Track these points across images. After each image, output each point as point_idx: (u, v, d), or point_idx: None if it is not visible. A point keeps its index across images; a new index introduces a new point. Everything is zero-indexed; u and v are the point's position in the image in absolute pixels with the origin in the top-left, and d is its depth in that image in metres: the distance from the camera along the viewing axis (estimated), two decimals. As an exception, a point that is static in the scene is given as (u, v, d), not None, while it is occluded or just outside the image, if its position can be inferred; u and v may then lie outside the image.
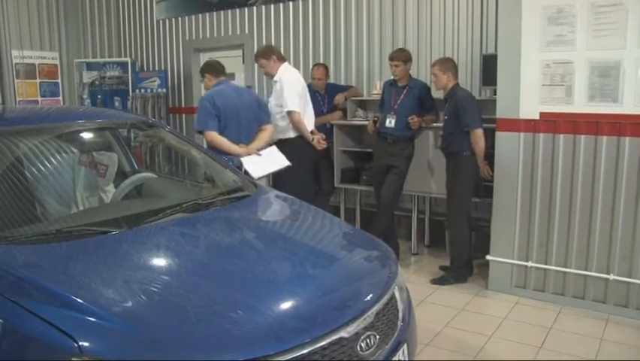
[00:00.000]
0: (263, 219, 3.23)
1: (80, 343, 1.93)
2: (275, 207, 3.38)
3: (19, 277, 2.28)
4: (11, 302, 2.16)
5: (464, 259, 4.91)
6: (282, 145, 5.25)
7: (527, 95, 4.30)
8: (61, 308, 2.07)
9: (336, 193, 6.32)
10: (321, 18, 6.52)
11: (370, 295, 2.46)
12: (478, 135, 4.61)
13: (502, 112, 4.43)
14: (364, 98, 6.14)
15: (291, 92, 5.24)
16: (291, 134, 5.37)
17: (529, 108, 4.31)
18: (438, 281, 4.89)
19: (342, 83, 6.36)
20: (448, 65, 4.83)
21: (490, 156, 4.61)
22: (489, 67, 4.95)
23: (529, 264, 4.46)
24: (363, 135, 6.04)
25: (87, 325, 2.01)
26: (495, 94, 4.69)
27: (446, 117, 4.83)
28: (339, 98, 5.98)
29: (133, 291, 2.21)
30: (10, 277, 2.29)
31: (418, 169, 5.38)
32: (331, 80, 6.32)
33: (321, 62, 6.37)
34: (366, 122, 5.55)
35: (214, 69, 5.07)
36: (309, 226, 3.21)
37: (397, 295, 2.64)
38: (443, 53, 5.67)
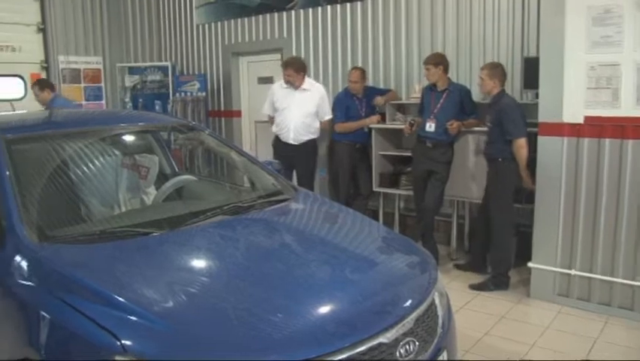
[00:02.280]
0: (302, 223, 3.22)
1: (123, 342, 1.96)
2: (314, 211, 3.37)
3: (66, 275, 2.34)
4: (59, 300, 2.21)
5: (505, 266, 4.82)
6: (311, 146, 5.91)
7: (571, 98, 4.20)
8: (105, 307, 2.12)
9: (375, 197, 6.29)
10: (360, 21, 6.50)
11: (410, 301, 2.44)
12: (521, 145, 4.52)
13: (544, 116, 4.34)
14: (403, 101, 6.10)
15: (327, 102, 5.99)
16: (316, 135, 6.02)
17: (573, 112, 4.21)
18: (477, 287, 4.81)
19: (381, 86, 6.32)
20: (496, 71, 4.75)
21: (532, 161, 4.52)
22: (530, 70, 4.85)
23: (573, 272, 4.35)
24: (402, 139, 6.00)
25: (130, 324, 2.04)
26: (537, 97, 4.60)
27: (489, 124, 4.75)
28: (378, 100, 5.96)
29: (174, 292, 2.24)
30: (57, 276, 2.35)
31: (458, 174, 5.32)
32: (370, 83, 6.30)
33: (360, 65, 6.35)
34: (403, 126, 5.52)
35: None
36: (348, 229, 3.20)
37: (437, 301, 2.60)
38: (483, 56, 5.60)
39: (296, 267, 2.56)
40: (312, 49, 6.97)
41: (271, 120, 6.15)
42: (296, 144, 5.89)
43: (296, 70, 5.85)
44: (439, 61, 5.16)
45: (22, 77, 7.83)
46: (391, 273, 2.70)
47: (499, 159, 4.68)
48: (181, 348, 1.98)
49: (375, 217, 6.12)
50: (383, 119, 5.99)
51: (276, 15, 7.34)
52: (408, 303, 2.42)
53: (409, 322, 2.33)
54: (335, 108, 6.08)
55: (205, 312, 2.14)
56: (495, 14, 5.58)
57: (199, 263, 2.60)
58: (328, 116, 6.01)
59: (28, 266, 2.48)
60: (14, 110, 4.50)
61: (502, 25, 5.53)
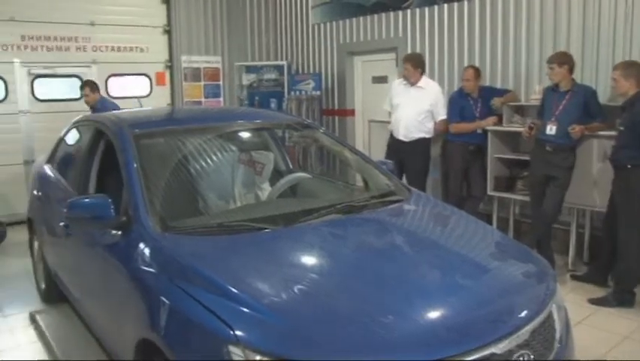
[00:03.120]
0: (415, 225, 3.18)
1: (237, 332, 2.03)
2: (427, 213, 3.32)
3: (185, 264, 2.45)
4: (178, 287, 2.33)
5: (631, 281, 4.48)
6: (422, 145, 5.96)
7: None
8: (221, 297, 2.20)
9: (489, 201, 6.09)
10: (477, 19, 6.30)
11: (525, 312, 2.34)
12: None
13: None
14: (522, 103, 5.84)
15: (443, 102, 6.00)
16: (429, 135, 6.02)
17: None
18: (598, 302, 4.51)
19: (499, 86, 6.10)
20: (632, 70, 4.43)
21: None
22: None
23: None
24: (520, 142, 5.75)
25: (244, 316, 2.11)
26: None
27: (622, 128, 4.43)
28: (496, 101, 5.76)
29: (288, 287, 2.28)
30: (177, 264, 2.48)
31: (580, 180, 5.00)
32: (487, 83, 6.11)
33: (477, 64, 6.16)
34: (522, 129, 5.30)
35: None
36: (462, 233, 3.13)
37: (555, 314, 2.48)
38: (612, 56, 5.23)
39: (408, 269, 2.53)
40: (428, 48, 6.86)
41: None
42: (406, 140, 5.92)
43: (413, 65, 5.89)
44: (564, 60, 4.90)
45: (148, 76, 8.40)
46: (506, 280, 2.61)
47: (628, 166, 4.36)
48: (291, 343, 2.02)
49: (489, 222, 5.91)
50: (500, 121, 5.78)
51: (391, 14, 7.30)
52: (523, 314, 2.33)
53: (523, 334, 2.24)
54: (449, 108, 5.98)
55: (317, 309, 2.17)
56: (628, 10, 5.18)
57: (312, 261, 2.63)
58: (442, 116, 5.98)
59: (150, 254, 2.64)
60: (141, 107, 4.78)
61: (637, 21, 5.11)
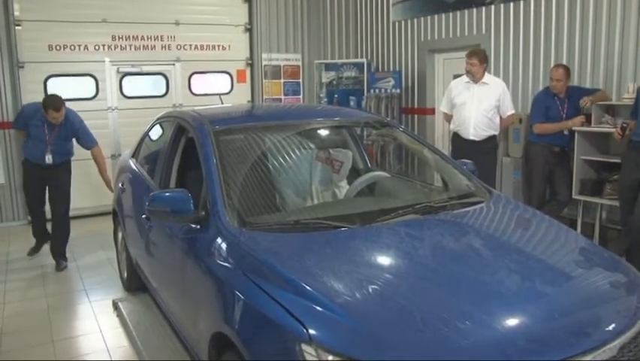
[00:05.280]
0: (495, 228, 3.05)
1: (310, 331, 2.01)
2: (509, 216, 3.18)
3: (261, 261, 2.46)
4: (253, 283, 2.34)
5: None
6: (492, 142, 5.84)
7: None
8: (295, 295, 2.19)
9: (574, 205, 5.81)
10: (566, 14, 6.01)
11: (613, 325, 2.19)
12: None
13: None
14: (613, 102, 5.54)
15: (509, 97, 5.87)
16: (497, 132, 5.85)
17: None
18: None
19: (587, 85, 5.81)
20: None
21: None
22: None
23: None
24: (610, 144, 5.47)
25: (317, 314, 2.09)
26: None
27: None
28: (585, 100, 5.48)
29: (362, 288, 2.25)
30: (252, 260, 2.49)
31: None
32: (574, 82, 5.83)
33: (564, 62, 5.89)
34: (613, 130, 5.02)
35: None
36: (544, 237, 2.98)
37: (648, 329, 2.30)
38: None
39: (486, 274, 2.43)
40: (512, 45, 6.62)
41: (447, 118, 6.18)
42: (477, 139, 5.76)
43: (480, 60, 5.75)
44: None
45: (229, 73, 8.58)
46: (591, 290, 2.45)
47: None
48: (364, 345, 1.98)
49: (572, 227, 5.65)
50: (588, 121, 5.50)
51: (474, 10, 7.10)
52: (611, 327, 2.18)
53: (611, 349, 2.09)
54: (533, 108, 5.77)
55: (391, 311, 2.12)
56: None
57: (388, 261, 2.58)
58: (510, 111, 5.84)
59: (227, 249, 2.67)
60: (222, 104, 4.87)
61: None
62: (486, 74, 5.86)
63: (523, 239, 2.94)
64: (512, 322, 2.12)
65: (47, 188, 5.73)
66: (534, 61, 6.39)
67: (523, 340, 2.05)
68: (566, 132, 5.58)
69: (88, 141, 5.83)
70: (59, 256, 5.72)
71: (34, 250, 6.06)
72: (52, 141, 5.53)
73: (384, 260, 2.59)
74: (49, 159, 5.53)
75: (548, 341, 2.06)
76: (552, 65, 5.95)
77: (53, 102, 5.42)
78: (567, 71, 5.59)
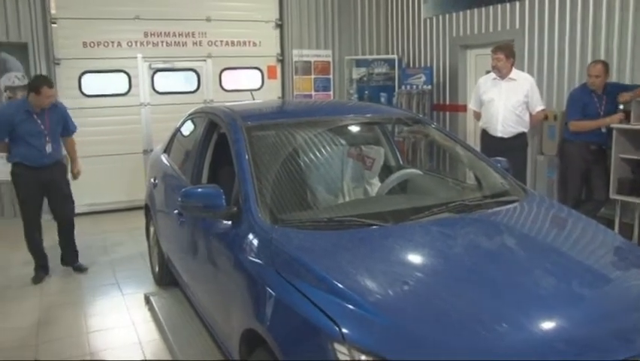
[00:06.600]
0: (532, 228, 2.98)
1: (343, 330, 1.98)
2: (545, 216, 3.11)
3: (294, 258, 2.44)
4: (285, 280, 2.32)
5: None
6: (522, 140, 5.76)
7: None
8: (328, 293, 2.16)
9: (610, 205, 5.67)
10: (605, 8, 5.83)
11: None
12: None
13: None
14: (654, 99, 5.38)
15: (538, 92, 5.80)
16: (526, 128, 5.76)
17: None
18: None
19: (627, 82, 5.65)
20: None
21: None
22: None
23: None
24: (650, 142, 5.31)
25: (350, 313, 2.06)
26: None
27: None
28: (624, 97, 5.33)
29: (396, 287, 2.22)
30: (284, 257, 2.47)
31: None
32: (613, 78, 5.68)
33: (602, 57, 5.75)
34: (654, 127, 4.88)
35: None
36: (582, 238, 2.91)
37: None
38: None
39: (524, 275, 2.37)
40: (547, 41, 6.48)
41: (476, 115, 6.13)
42: (505, 137, 5.69)
43: (506, 55, 5.68)
44: None
45: (260, 69, 8.60)
46: (632, 293, 2.37)
47: None
48: (397, 344, 1.95)
49: (610, 227, 5.50)
50: (627, 119, 5.36)
51: (507, 5, 6.97)
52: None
53: None
54: (570, 105, 5.64)
55: (425, 311, 2.09)
56: None
57: (422, 261, 2.54)
58: (540, 107, 5.76)
59: (259, 245, 2.66)
60: (254, 100, 4.87)
61: None
62: (514, 69, 5.78)
63: (561, 239, 2.88)
64: (550, 325, 2.06)
65: (48, 195, 5.25)
66: (570, 56, 6.25)
67: (561, 343, 2.00)
68: (603, 130, 5.45)
69: (73, 124, 5.46)
70: (76, 260, 5.52)
71: (40, 276, 5.27)
72: (49, 128, 5.10)
73: (418, 259, 2.55)
74: (49, 147, 5.10)
75: (588, 345, 2.00)
76: (589, 60, 5.81)
77: (45, 80, 5.09)
78: (606, 66, 5.45)
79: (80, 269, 5.47)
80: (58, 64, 7.41)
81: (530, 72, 6.42)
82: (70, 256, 5.53)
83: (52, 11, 7.32)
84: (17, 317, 4.46)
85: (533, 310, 2.11)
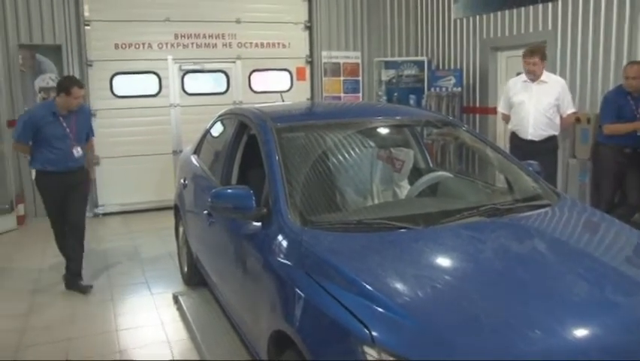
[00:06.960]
0: (564, 233, 2.93)
1: (373, 333, 1.97)
2: (578, 220, 3.05)
3: (324, 260, 2.44)
4: (314, 282, 2.32)
5: None
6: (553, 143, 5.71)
7: None
8: (358, 296, 2.15)
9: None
10: (640, 9, 5.73)
11: None
12: None
13: None
14: (693, 101, 5.25)
15: (569, 94, 5.75)
16: (557, 131, 5.71)
17: None
18: None
19: (663, 84, 5.52)
20: None
21: None
22: None
23: None
24: (687, 145, 5.18)
25: (381, 316, 2.05)
26: None
27: None
28: None
29: (427, 290, 2.20)
30: (315, 259, 2.47)
31: None
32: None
33: (638, 58, 5.62)
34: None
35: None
36: (616, 243, 2.85)
37: None
38: None
39: (557, 280, 2.33)
40: (581, 41, 6.36)
41: (505, 118, 6.09)
42: (536, 140, 5.62)
43: (541, 58, 5.63)
44: None
45: (289, 71, 8.62)
46: None
47: None
48: (428, 348, 1.94)
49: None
50: (664, 122, 5.24)
51: (539, 6, 6.87)
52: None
53: None
54: (604, 107, 5.53)
55: (455, 316, 2.06)
56: None
57: (453, 264, 2.52)
58: (571, 110, 5.71)
59: (288, 247, 2.66)
60: (283, 101, 4.88)
61: None
62: (544, 71, 5.71)
63: (594, 244, 2.82)
64: (583, 332, 2.02)
65: (66, 196, 4.97)
66: (604, 58, 6.12)
67: (595, 351, 1.96)
68: (639, 133, 5.34)
69: (92, 128, 5.31)
70: (79, 273, 5.06)
71: (75, 282, 5.02)
72: (75, 131, 4.92)
73: (449, 263, 2.53)
74: (77, 151, 4.91)
75: (622, 353, 1.96)
76: (625, 61, 5.70)
77: (76, 80, 4.94)
78: (644, 68, 5.34)
79: (85, 289, 4.97)
80: (90, 65, 7.54)
81: (563, 74, 6.31)
82: (73, 272, 5.04)
83: (86, 14, 7.46)
84: (49, 314, 4.54)
85: (565, 316, 2.07)
